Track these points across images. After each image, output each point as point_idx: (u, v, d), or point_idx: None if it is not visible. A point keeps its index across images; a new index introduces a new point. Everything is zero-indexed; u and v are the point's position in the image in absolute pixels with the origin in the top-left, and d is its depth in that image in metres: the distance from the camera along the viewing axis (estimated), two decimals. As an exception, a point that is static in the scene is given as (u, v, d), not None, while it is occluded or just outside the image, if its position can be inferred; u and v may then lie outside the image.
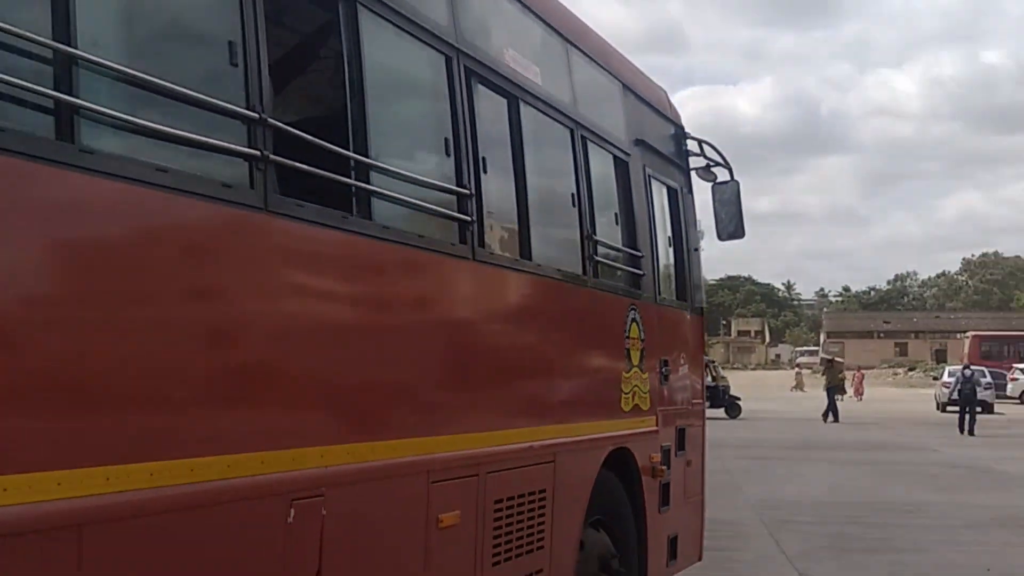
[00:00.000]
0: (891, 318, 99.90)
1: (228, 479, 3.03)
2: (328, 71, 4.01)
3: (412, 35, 4.21)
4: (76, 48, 2.63)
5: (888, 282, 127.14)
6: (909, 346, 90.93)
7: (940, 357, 77.77)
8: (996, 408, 39.27)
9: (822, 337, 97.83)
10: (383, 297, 4.09)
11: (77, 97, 2.66)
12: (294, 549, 3.32)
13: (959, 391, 30.39)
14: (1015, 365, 48.53)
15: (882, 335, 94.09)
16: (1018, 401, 44.69)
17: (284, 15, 3.62)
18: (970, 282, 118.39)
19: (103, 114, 2.77)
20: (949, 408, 34.44)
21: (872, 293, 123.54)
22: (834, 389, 34.12)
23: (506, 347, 5.03)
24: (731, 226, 7.68)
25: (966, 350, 55.84)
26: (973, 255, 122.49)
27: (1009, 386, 46.01)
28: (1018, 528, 12.14)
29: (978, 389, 31.22)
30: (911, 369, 75.94)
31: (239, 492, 3.08)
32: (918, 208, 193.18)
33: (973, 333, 63.46)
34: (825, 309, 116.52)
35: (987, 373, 39.86)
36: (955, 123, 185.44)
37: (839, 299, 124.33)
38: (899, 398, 51.99)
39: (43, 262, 2.61)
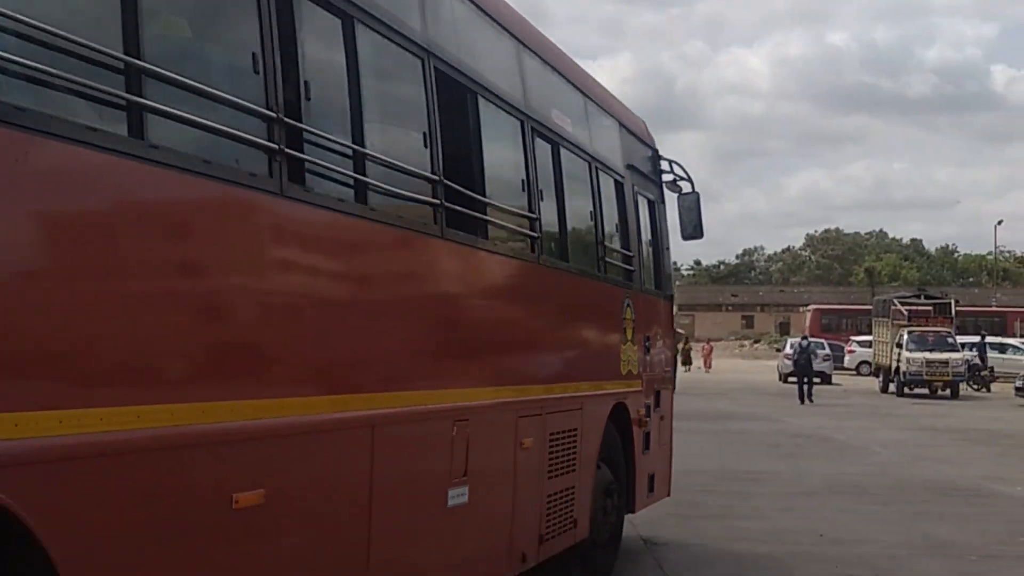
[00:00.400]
0: (739, 291, 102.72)
1: (434, 405, 5.05)
2: (467, 143, 5.70)
3: (506, 111, 6.20)
4: (366, 148, 4.53)
5: (737, 256, 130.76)
6: (755, 319, 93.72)
7: (784, 330, 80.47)
8: (834, 379, 40.92)
9: (674, 309, 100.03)
10: (500, 295, 6.21)
11: (365, 176, 4.51)
12: (456, 453, 5.24)
13: (796, 362, 31.52)
14: (852, 338, 50.33)
15: (730, 308, 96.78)
16: (855, 372, 46.57)
17: (444, 108, 5.27)
18: (813, 257, 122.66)
19: (374, 185, 4.60)
20: (790, 379, 35.44)
21: (722, 267, 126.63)
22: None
23: (559, 326, 7.09)
24: (690, 228, 9.45)
25: (807, 323, 57.75)
26: (816, 231, 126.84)
27: (847, 358, 47.61)
28: (851, 494, 12.78)
29: (815, 360, 32.45)
30: (756, 341, 78.55)
31: (434, 413, 5.06)
32: (766, 184, 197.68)
33: (814, 306, 65.68)
34: (677, 282, 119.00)
35: (825, 345, 41.33)
36: (802, 102, 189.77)
37: (691, 272, 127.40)
38: (746, 369, 53.72)
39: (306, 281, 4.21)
